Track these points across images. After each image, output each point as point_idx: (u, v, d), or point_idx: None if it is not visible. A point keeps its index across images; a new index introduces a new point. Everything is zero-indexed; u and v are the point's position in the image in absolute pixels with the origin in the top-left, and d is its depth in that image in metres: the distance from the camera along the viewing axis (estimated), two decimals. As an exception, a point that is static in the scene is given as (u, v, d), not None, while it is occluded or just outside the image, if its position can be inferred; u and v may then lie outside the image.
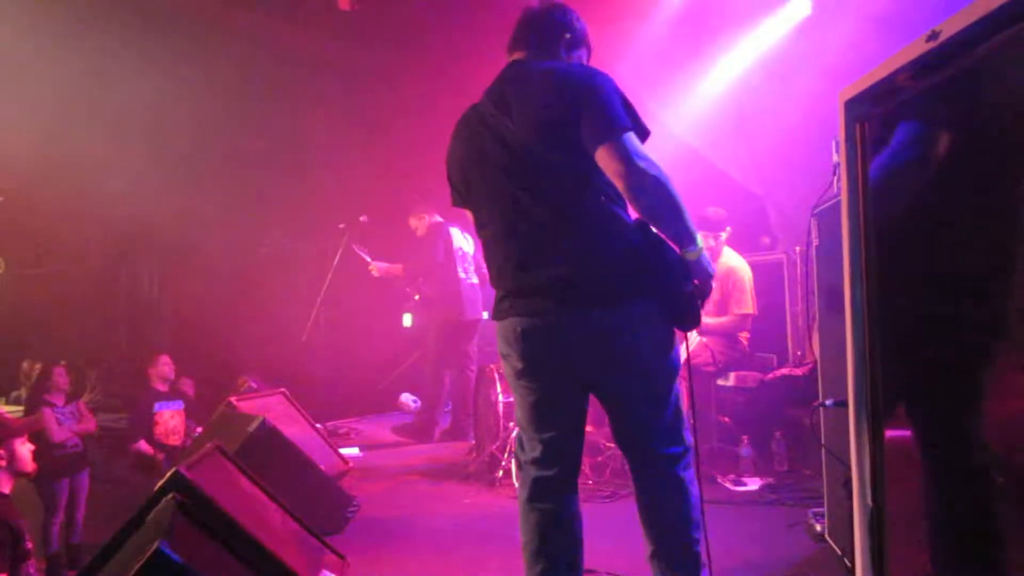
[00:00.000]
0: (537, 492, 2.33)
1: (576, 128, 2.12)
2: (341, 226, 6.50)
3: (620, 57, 6.54)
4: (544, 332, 2.20)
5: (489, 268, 2.39)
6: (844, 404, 2.14)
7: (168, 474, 2.36)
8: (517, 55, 2.41)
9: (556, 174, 2.19)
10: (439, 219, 6.48)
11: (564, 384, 2.29)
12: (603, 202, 2.21)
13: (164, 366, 5.46)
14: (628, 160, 2.05)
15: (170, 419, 5.37)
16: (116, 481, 5.68)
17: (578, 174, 2.18)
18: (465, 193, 2.43)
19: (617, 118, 2.10)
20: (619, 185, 2.10)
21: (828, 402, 2.85)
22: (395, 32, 6.88)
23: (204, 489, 2.34)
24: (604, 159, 2.09)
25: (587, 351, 2.20)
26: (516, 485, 4.47)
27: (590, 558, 3.19)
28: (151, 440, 5.23)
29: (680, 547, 2.28)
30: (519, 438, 2.43)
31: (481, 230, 2.40)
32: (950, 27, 1.36)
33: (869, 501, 1.87)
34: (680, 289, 2.23)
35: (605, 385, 2.30)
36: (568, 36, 2.41)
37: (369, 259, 6.31)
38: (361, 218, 6.47)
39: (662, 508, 2.30)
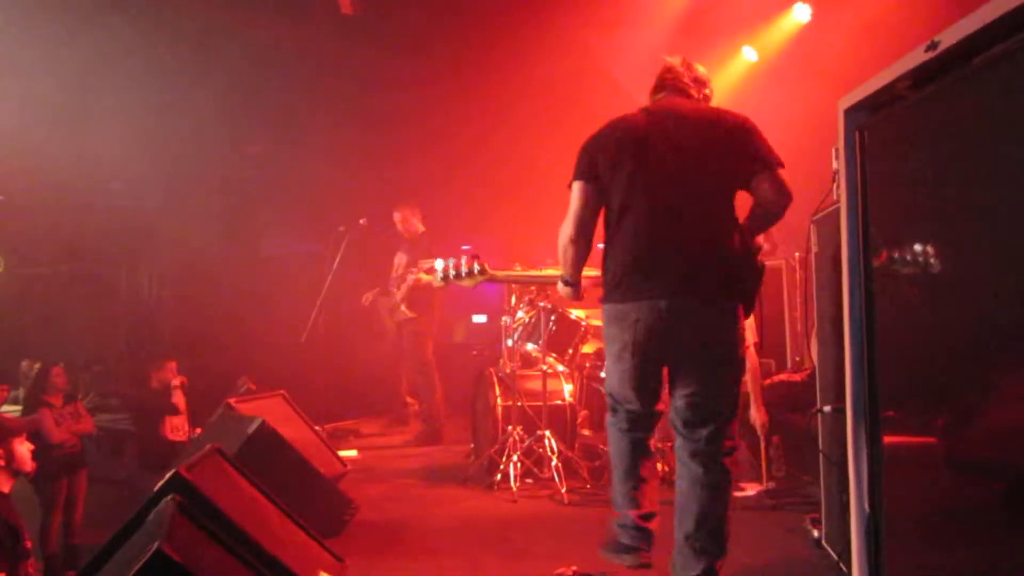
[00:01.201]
0: (630, 424, 2.81)
1: (732, 158, 2.66)
2: (341, 228, 6.49)
3: (621, 61, 6.56)
4: (671, 313, 2.61)
5: (622, 249, 2.73)
6: (842, 410, 2.15)
7: (167, 475, 2.37)
8: (668, 96, 2.90)
9: (710, 190, 2.69)
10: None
11: (663, 358, 2.72)
12: (734, 217, 2.72)
13: (169, 372, 5.50)
14: (781, 190, 2.62)
15: (173, 417, 5.40)
16: (114, 482, 5.68)
17: (724, 192, 2.70)
18: (608, 179, 2.76)
19: (774, 156, 2.65)
20: (766, 206, 2.67)
21: (826, 408, 2.86)
22: (396, 36, 6.91)
23: (203, 490, 2.35)
24: (762, 184, 2.63)
25: (700, 335, 2.65)
26: (514, 488, 4.49)
27: (587, 562, 3.21)
28: (160, 437, 5.26)
29: (723, 526, 2.66)
30: (611, 394, 2.85)
31: (619, 215, 2.75)
32: (949, 37, 1.38)
33: (866, 507, 1.88)
34: (755, 291, 2.86)
35: (698, 366, 2.69)
36: (707, 91, 2.96)
37: (413, 271, 6.35)
38: (361, 221, 6.46)
39: (716, 494, 2.65)
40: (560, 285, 2.99)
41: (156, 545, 1.71)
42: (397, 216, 6.53)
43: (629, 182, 2.71)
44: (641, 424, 2.83)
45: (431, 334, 6.53)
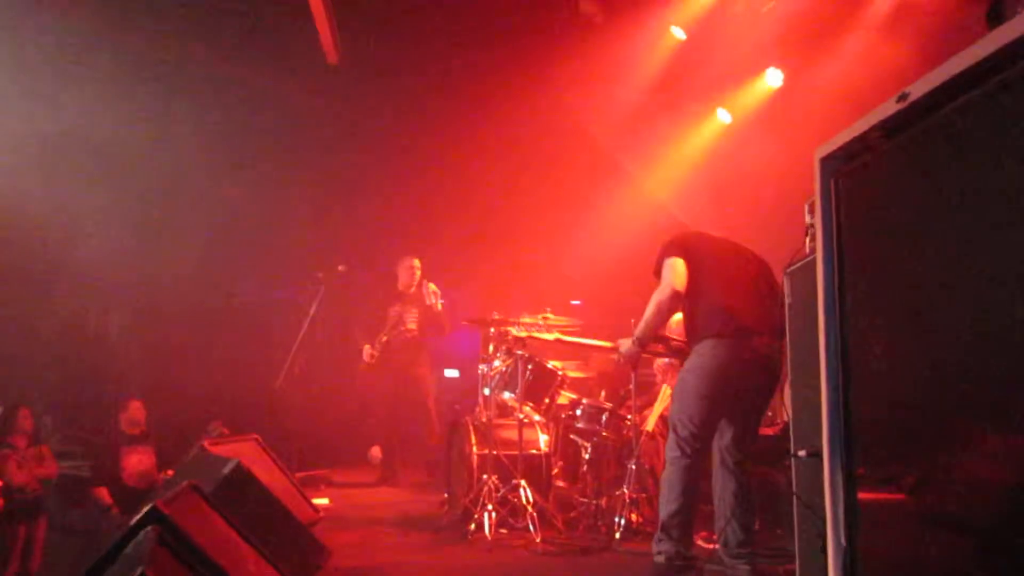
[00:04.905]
0: (724, 461, 3.90)
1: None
2: (319, 275, 6.50)
3: (598, 119, 6.77)
4: (763, 360, 3.71)
5: (724, 308, 3.72)
6: (818, 455, 2.19)
7: (145, 509, 2.33)
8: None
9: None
10: None
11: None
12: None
13: (135, 411, 5.40)
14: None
15: (138, 464, 5.27)
16: (73, 532, 5.50)
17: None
18: (698, 262, 3.86)
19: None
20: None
21: (801, 452, 2.90)
22: (380, 89, 7.07)
23: (181, 525, 2.31)
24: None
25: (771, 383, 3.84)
26: (488, 538, 4.44)
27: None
28: (117, 484, 5.12)
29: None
30: (694, 435, 3.73)
31: (709, 290, 3.80)
32: (919, 89, 1.48)
33: (843, 541, 1.92)
34: None
35: (761, 406, 4.00)
36: None
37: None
38: (339, 267, 6.49)
39: (753, 500, 3.91)
40: None
41: (140, 570, 1.69)
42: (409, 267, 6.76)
43: (721, 271, 3.93)
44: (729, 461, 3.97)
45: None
